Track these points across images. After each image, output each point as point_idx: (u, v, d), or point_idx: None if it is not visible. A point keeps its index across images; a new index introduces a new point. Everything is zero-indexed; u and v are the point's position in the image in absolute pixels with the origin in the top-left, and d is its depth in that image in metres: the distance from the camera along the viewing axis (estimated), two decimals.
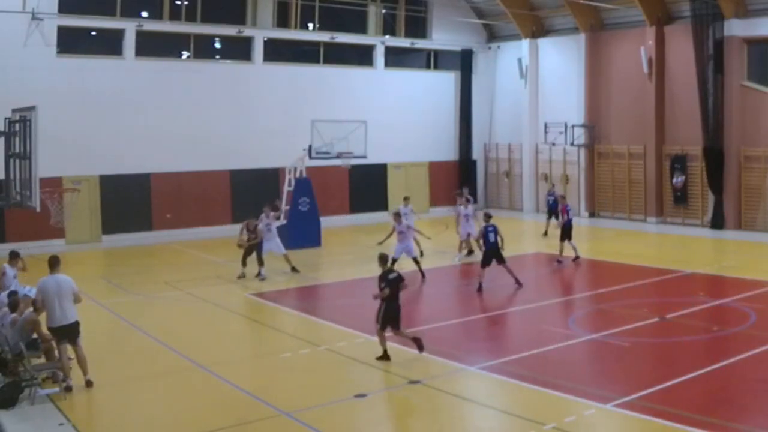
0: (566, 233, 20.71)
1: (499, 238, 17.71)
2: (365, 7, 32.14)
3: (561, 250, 20.69)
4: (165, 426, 9.97)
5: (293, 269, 19.88)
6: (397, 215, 19.48)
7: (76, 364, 11.18)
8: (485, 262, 17.70)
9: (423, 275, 18.80)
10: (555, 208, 23.79)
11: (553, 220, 23.99)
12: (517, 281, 17.67)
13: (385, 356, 12.33)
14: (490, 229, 17.72)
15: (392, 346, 13.14)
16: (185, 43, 28.24)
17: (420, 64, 34.83)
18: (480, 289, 17.46)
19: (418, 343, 12.40)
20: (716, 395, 10.58)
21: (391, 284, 12.31)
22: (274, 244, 19.71)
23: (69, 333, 11.06)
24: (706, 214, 27.21)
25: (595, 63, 30.49)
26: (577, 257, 20.68)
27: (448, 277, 20.34)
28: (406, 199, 22.93)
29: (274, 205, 20.93)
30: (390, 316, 12.33)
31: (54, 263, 11.22)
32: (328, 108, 28.07)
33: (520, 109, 33.19)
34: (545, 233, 25.02)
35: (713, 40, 25.83)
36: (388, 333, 12.48)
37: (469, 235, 21.24)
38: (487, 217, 18.33)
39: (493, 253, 17.65)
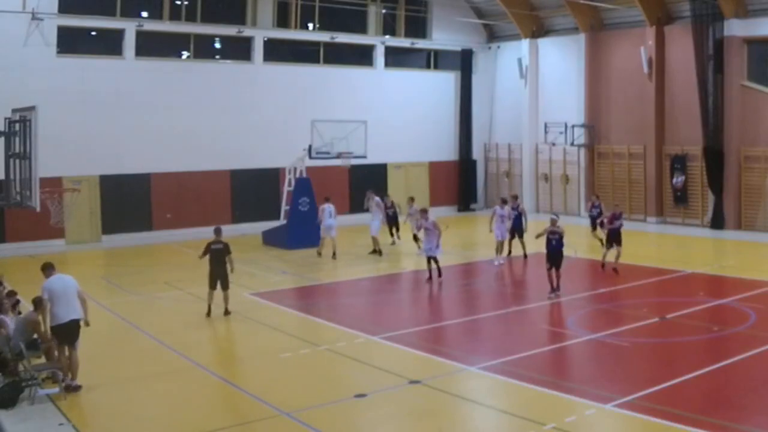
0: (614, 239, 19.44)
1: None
2: (365, 7, 32.13)
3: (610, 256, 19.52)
4: (165, 426, 9.96)
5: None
6: (424, 211, 19.57)
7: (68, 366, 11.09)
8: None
9: (440, 273, 18.57)
10: (598, 216, 22.59)
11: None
12: (554, 289, 16.59)
13: (209, 312, 15.28)
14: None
15: (391, 346, 13.18)
16: (185, 43, 28.23)
17: (420, 64, 34.83)
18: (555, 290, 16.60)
19: (225, 311, 15.26)
20: (716, 395, 10.58)
21: (212, 252, 15.25)
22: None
23: (71, 332, 11.02)
24: (706, 214, 27.22)
25: (595, 63, 30.48)
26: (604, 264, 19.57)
27: (448, 277, 20.35)
28: (411, 199, 23.95)
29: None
30: (212, 278, 15.22)
31: (50, 266, 11.32)
32: (328, 108, 28.08)
33: (520, 109, 33.18)
34: (601, 242, 21.41)
35: (713, 40, 25.84)
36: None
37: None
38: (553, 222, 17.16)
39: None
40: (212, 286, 15.39)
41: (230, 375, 11.77)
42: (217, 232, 15.72)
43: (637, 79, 28.76)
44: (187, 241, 25.38)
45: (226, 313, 15.39)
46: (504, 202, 21.93)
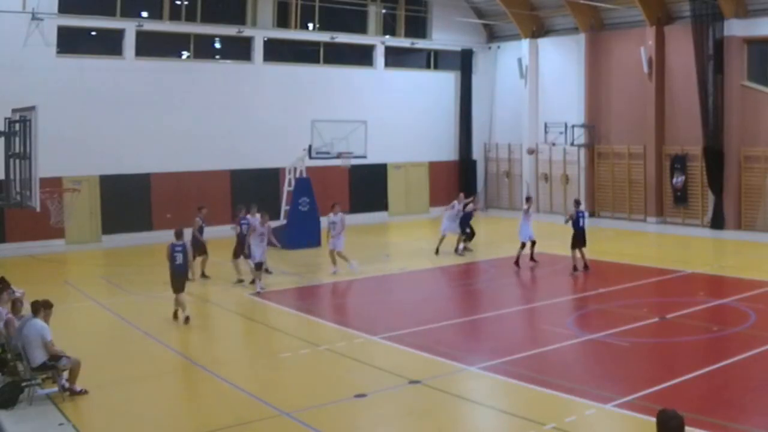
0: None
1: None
2: (365, 7, 32.13)
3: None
4: (165, 426, 9.96)
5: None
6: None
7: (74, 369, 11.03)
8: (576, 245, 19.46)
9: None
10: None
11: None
12: (586, 266, 19.48)
13: (175, 316, 14.93)
14: (581, 214, 19.77)
15: (391, 346, 13.17)
16: (185, 43, 28.23)
17: (420, 64, 34.83)
18: (577, 269, 19.34)
19: (185, 320, 14.67)
20: (716, 395, 10.58)
21: (169, 252, 15.11)
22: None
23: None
24: (706, 214, 27.22)
25: (595, 63, 30.49)
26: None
27: (447, 277, 20.36)
28: (334, 206, 20.56)
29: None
30: (171, 279, 14.96)
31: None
32: (328, 108, 28.06)
33: (520, 109, 33.19)
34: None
35: (713, 40, 25.85)
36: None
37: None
38: (577, 203, 20.70)
39: (581, 236, 19.55)
40: (179, 289, 15.12)
41: (230, 375, 11.76)
42: (177, 234, 15.52)
43: (637, 79, 28.77)
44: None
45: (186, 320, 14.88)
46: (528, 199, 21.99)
